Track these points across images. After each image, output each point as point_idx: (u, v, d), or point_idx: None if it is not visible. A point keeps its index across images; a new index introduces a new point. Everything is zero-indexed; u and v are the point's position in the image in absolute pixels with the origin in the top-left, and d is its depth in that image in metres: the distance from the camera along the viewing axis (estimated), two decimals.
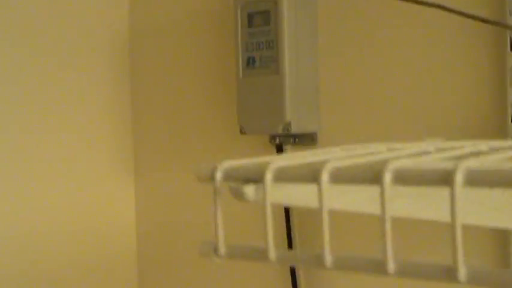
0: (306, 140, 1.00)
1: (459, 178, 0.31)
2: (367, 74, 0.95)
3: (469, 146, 0.50)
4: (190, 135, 1.15)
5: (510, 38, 0.80)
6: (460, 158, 0.40)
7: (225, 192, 0.40)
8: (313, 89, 0.98)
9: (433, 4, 0.85)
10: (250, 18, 0.96)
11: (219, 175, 0.40)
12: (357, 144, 0.55)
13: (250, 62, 0.96)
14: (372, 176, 0.34)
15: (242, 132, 0.97)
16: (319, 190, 0.36)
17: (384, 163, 0.34)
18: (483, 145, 0.46)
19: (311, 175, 0.36)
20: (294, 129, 0.94)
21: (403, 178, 0.33)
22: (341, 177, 0.35)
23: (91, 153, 1.16)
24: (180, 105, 1.16)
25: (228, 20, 1.08)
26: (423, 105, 0.90)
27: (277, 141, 1.00)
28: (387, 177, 0.33)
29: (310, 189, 0.40)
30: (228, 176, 0.40)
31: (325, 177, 0.36)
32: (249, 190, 0.39)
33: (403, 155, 0.43)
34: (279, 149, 1.01)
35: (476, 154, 0.44)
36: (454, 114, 0.87)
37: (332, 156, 0.42)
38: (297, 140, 1.00)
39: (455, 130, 0.87)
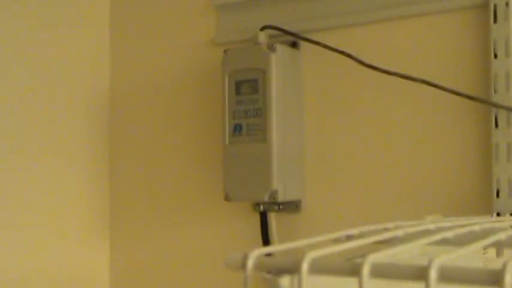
0: (290, 207, 1.00)
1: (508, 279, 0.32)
2: (352, 144, 0.96)
3: (486, 229, 0.51)
4: (170, 201, 1.14)
5: (495, 115, 0.83)
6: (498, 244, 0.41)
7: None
8: (299, 157, 0.99)
9: (419, 79, 0.88)
10: (238, 86, 0.97)
11: (250, 263, 0.40)
12: (369, 225, 0.56)
13: (237, 130, 0.97)
14: (416, 273, 0.34)
15: (227, 199, 0.97)
16: (360, 283, 0.36)
17: (428, 260, 0.34)
18: (502, 234, 0.47)
19: (351, 269, 0.36)
20: (280, 198, 0.94)
21: (450, 276, 0.33)
22: (383, 272, 0.35)
23: (65, 219, 1.13)
24: (161, 171, 1.15)
25: (215, 87, 1.08)
26: (407, 179, 0.91)
27: (262, 208, 1.00)
28: (433, 275, 0.34)
29: (348, 279, 0.40)
30: (260, 265, 0.40)
31: (366, 271, 0.36)
32: (284, 282, 0.38)
33: (433, 240, 0.43)
34: (263, 217, 1.01)
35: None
36: (438, 189, 0.89)
37: (361, 244, 0.43)
38: (281, 207, 1.00)
39: (440, 204, 0.88)
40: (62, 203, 1.13)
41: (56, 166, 1.12)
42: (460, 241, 0.47)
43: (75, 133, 1.16)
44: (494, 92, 0.83)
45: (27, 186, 1.07)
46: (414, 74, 0.89)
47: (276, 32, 1.00)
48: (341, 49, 0.95)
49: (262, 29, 1.00)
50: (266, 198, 0.94)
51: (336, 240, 0.49)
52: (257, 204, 1.01)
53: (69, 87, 1.15)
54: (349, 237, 0.50)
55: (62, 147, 1.13)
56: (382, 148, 0.94)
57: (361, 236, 0.50)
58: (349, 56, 0.93)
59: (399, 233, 0.49)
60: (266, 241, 1.00)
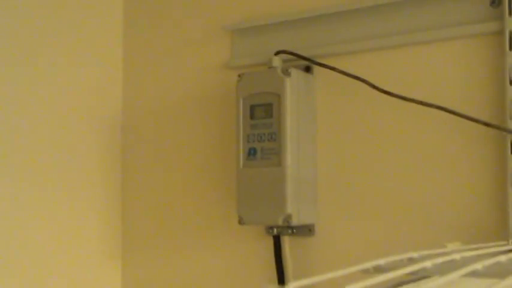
0: (304, 231, 1.00)
1: None
2: (365, 168, 0.96)
3: None
4: (183, 223, 1.14)
5: (511, 141, 0.83)
6: None
7: None
8: (312, 181, 0.99)
9: (434, 105, 0.88)
10: (252, 110, 0.97)
11: None
12: (397, 254, 0.55)
13: (251, 153, 0.97)
14: None
15: (241, 223, 0.97)
16: None
17: None
18: None
19: None
20: (294, 222, 0.94)
21: None
22: None
23: (77, 241, 1.13)
24: (174, 193, 1.15)
25: (228, 110, 1.09)
26: (421, 204, 0.91)
27: (275, 232, 1.00)
28: None
29: None
30: None
31: None
32: None
33: (464, 273, 0.43)
34: (277, 240, 1.01)
35: None
36: (453, 214, 0.89)
37: (394, 276, 0.43)
38: (294, 231, 1.00)
39: (455, 229, 0.88)
40: (74, 224, 1.13)
41: (68, 188, 1.12)
42: (490, 273, 0.48)
43: (87, 155, 1.16)
44: (510, 118, 0.84)
45: (39, 207, 1.07)
46: (429, 100, 0.89)
47: (289, 56, 1.01)
48: (355, 74, 0.95)
49: (277, 53, 1.00)
50: (280, 222, 0.93)
51: (365, 272, 0.49)
52: (270, 228, 1.01)
53: (81, 110, 1.15)
54: (377, 268, 0.50)
55: (74, 170, 1.13)
56: (396, 173, 0.94)
57: (388, 266, 0.50)
58: (364, 81, 0.94)
59: (427, 264, 0.49)
60: (280, 265, 1.00)
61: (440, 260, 0.52)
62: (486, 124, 0.85)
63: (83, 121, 1.15)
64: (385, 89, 0.92)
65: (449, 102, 0.89)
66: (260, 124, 0.97)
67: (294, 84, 0.96)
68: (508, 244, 0.79)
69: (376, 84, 0.93)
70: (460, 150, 0.89)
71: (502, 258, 0.53)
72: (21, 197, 1.04)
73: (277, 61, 0.99)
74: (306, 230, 1.00)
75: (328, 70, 0.98)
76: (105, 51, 1.21)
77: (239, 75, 0.99)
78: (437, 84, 0.91)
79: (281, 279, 1.00)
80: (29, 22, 1.07)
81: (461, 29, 0.89)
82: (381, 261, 0.51)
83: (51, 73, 1.10)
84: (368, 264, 0.49)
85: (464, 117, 0.86)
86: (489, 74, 0.87)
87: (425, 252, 0.57)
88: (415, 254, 0.56)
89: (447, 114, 0.88)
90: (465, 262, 0.53)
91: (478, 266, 0.48)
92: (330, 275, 0.44)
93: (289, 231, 1.00)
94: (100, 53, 1.20)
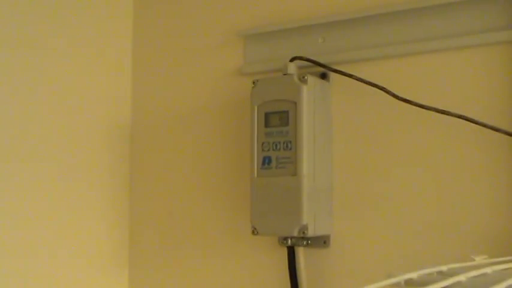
0: (319, 242, 0.98)
1: None
2: (382, 179, 0.94)
3: None
4: (192, 233, 1.12)
5: None
6: None
7: None
8: (328, 191, 0.97)
9: (455, 114, 0.86)
10: (267, 118, 0.95)
11: None
12: (427, 267, 0.53)
13: (266, 162, 0.95)
14: None
15: (255, 233, 0.94)
16: None
17: None
18: None
19: None
20: (310, 233, 0.91)
21: None
22: None
23: (84, 250, 1.11)
24: (184, 202, 1.13)
25: (241, 117, 1.07)
26: (440, 215, 0.89)
27: (289, 242, 0.98)
28: None
29: None
30: None
31: None
32: None
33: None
34: (291, 251, 0.98)
35: None
36: (473, 226, 0.86)
37: None
38: (309, 242, 0.97)
39: (474, 242, 0.86)
40: (81, 231, 1.11)
41: (76, 196, 1.10)
42: None
43: (95, 164, 1.14)
44: None
45: (46, 213, 1.05)
46: (450, 109, 0.87)
47: (304, 63, 0.99)
48: (373, 82, 0.93)
49: (292, 59, 0.98)
50: (296, 233, 0.91)
51: (396, 285, 0.47)
52: (284, 239, 0.98)
53: (91, 117, 1.13)
54: (408, 282, 0.48)
55: (82, 178, 1.11)
56: (415, 183, 0.91)
57: (420, 280, 0.48)
58: (382, 89, 0.92)
59: (461, 278, 0.47)
60: (294, 277, 0.98)
61: (472, 274, 0.49)
62: (508, 133, 0.83)
63: (93, 128, 1.14)
64: (404, 96, 0.90)
65: (470, 111, 0.87)
66: (275, 132, 0.94)
67: (310, 91, 0.94)
68: None
69: (395, 92, 0.91)
70: (481, 159, 0.87)
71: None
72: (27, 203, 1.02)
73: (292, 68, 0.96)
74: (321, 242, 0.98)
75: (345, 77, 0.96)
76: (115, 58, 1.19)
77: (254, 82, 0.97)
78: (458, 93, 0.89)
79: None
80: (40, 30, 1.05)
81: (483, 37, 0.87)
82: (413, 275, 0.48)
83: (61, 80, 1.09)
84: (399, 278, 0.47)
85: (485, 126, 0.84)
86: (511, 83, 0.85)
87: (455, 265, 0.55)
88: (444, 267, 0.54)
89: (468, 123, 0.86)
90: (496, 276, 0.51)
91: None
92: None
93: (304, 242, 0.97)
94: (110, 60, 1.18)
